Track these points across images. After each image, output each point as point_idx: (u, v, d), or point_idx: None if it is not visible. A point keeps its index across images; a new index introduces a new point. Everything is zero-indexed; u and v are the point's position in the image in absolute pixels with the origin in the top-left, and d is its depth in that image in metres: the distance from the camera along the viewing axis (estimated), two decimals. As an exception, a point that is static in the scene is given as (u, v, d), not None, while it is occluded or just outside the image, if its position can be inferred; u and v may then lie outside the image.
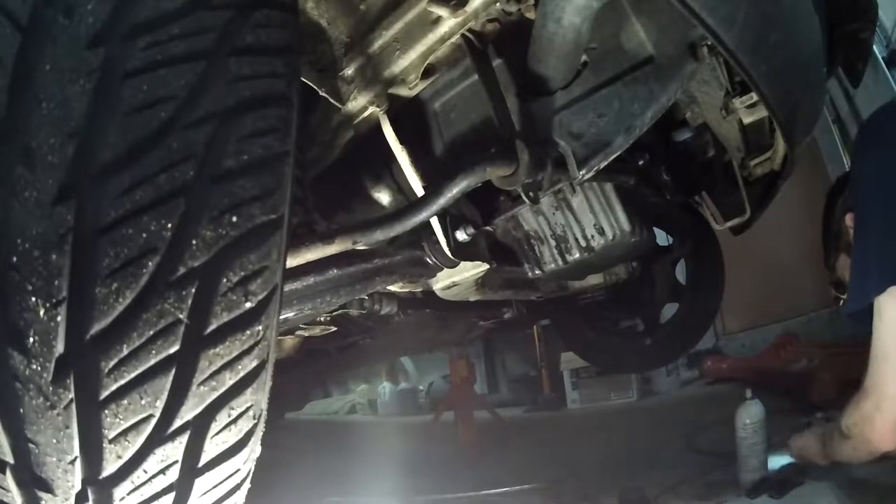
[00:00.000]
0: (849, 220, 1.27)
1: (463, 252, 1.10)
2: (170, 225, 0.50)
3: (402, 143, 1.01)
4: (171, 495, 0.57)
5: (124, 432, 0.52)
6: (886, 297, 1.04)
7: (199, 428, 0.55)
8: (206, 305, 0.52)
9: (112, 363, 0.50)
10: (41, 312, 0.49)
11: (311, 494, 2.19)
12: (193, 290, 0.51)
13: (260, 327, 0.56)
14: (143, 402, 0.52)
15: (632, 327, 2.47)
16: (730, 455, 1.66)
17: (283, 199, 0.57)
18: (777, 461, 1.58)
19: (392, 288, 1.39)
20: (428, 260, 1.13)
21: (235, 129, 0.53)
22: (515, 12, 0.91)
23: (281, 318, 0.66)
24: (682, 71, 0.93)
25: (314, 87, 0.95)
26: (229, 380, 0.55)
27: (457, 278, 1.25)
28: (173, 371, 0.52)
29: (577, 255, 1.37)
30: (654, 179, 1.45)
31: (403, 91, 0.99)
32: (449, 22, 0.89)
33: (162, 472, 0.55)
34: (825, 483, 1.41)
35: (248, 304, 0.54)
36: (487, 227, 1.17)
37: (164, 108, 0.51)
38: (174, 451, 0.55)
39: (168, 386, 0.52)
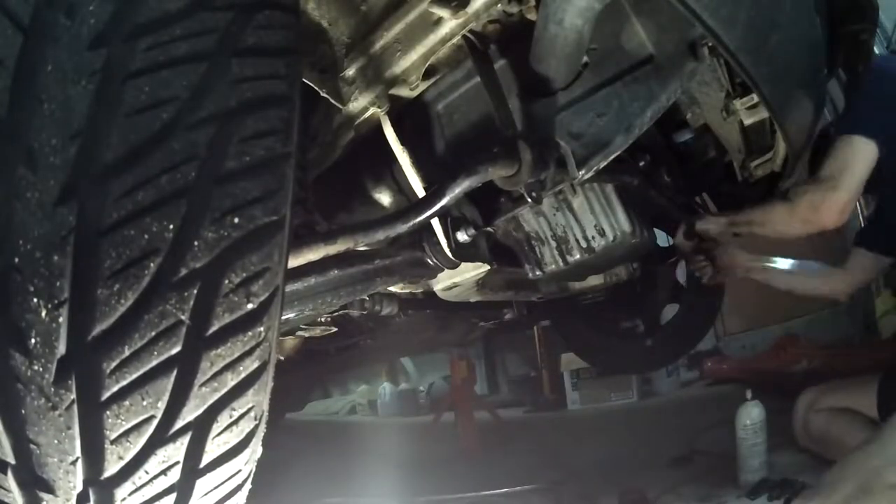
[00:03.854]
0: None
1: (464, 253, 1.10)
2: (172, 226, 0.50)
3: (403, 143, 1.01)
4: (173, 496, 0.57)
5: (126, 433, 0.52)
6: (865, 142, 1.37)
7: (200, 429, 0.55)
8: (207, 307, 0.52)
9: (114, 364, 0.50)
10: (43, 313, 0.49)
11: (312, 495, 2.19)
12: (195, 292, 0.51)
13: (261, 328, 0.56)
14: (144, 402, 0.52)
15: (632, 328, 2.47)
16: (730, 456, 1.66)
17: (285, 201, 0.57)
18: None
19: (393, 289, 1.40)
20: (428, 261, 1.13)
21: (237, 130, 0.53)
22: (517, 13, 0.91)
23: (282, 318, 0.66)
24: (682, 70, 0.93)
25: (315, 87, 0.95)
26: (231, 381, 0.55)
27: (457, 279, 1.25)
28: (175, 372, 0.52)
29: (578, 256, 1.37)
30: (656, 181, 1.46)
31: (405, 92, 0.99)
32: (450, 23, 0.89)
33: (163, 472, 0.55)
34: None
35: (249, 306, 0.54)
36: (488, 228, 1.17)
37: (166, 109, 0.51)
38: (176, 451, 0.55)
39: (170, 387, 0.52)
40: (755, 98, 1.12)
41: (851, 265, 1.71)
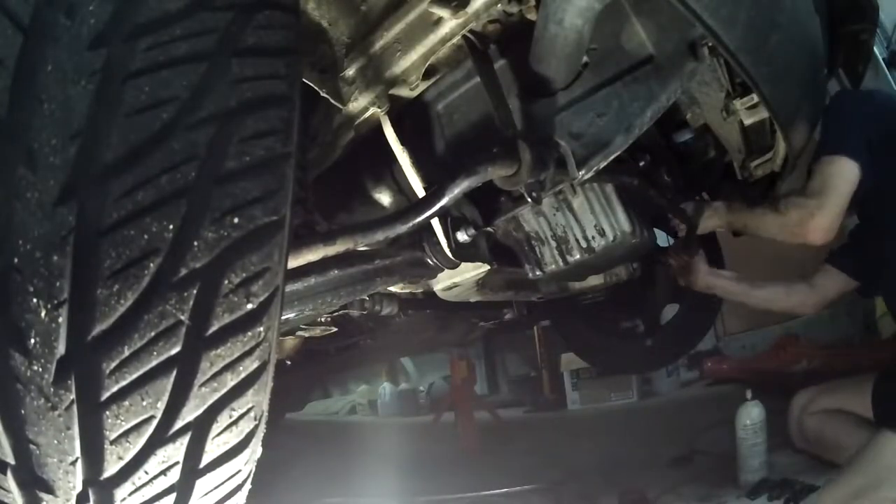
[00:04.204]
0: None
1: (464, 253, 1.10)
2: (171, 226, 0.50)
3: (403, 143, 1.01)
4: (173, 496, 0.57)
5: (125, 433, 0.52)
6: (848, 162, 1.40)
7: (200, 429, 0.55)
8: (207, 307, 0.52)
9: (113, 364, 0.50)
10: (42, 313, 0.49)
11: (312, 495, 2.19)
12: (195, 292, 0.51)
13: (261, 328, 0.56)
14: (144, 403, 0.52)
15: (632, 328, 2.47)
16: (730, 456, 1.66)
17: (285, 201, 0.57)
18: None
19: (393, 289, 1.39)
20: (428, 261, 1.13)
21: (237, 130, 0.53)
22: (517, 13, 0.91)
23: (282, 318, 0.66)
24: (682, 70, 0.93)
25: (315, 87, 0.95)
26: (230, 381, 0.55)
27: (457, 279, 1.25)
28: (175, 372, 0.52)
29: (578, 256, 1.37)
30: (656, 180, 1.46)
31: (405, 92, 0.99)
32: (450, 23, 0.89)
33: (163, 473, 0.55)
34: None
35: (249, 306, 0.54)
36: (488, 228, 1.17)
37: (166, 109, 0.51)
38: (175, 452, 0.55)
39: (169, 387, 0.52)
40: (755, 98, 1.12)
41: (818, 282, 1.71)
